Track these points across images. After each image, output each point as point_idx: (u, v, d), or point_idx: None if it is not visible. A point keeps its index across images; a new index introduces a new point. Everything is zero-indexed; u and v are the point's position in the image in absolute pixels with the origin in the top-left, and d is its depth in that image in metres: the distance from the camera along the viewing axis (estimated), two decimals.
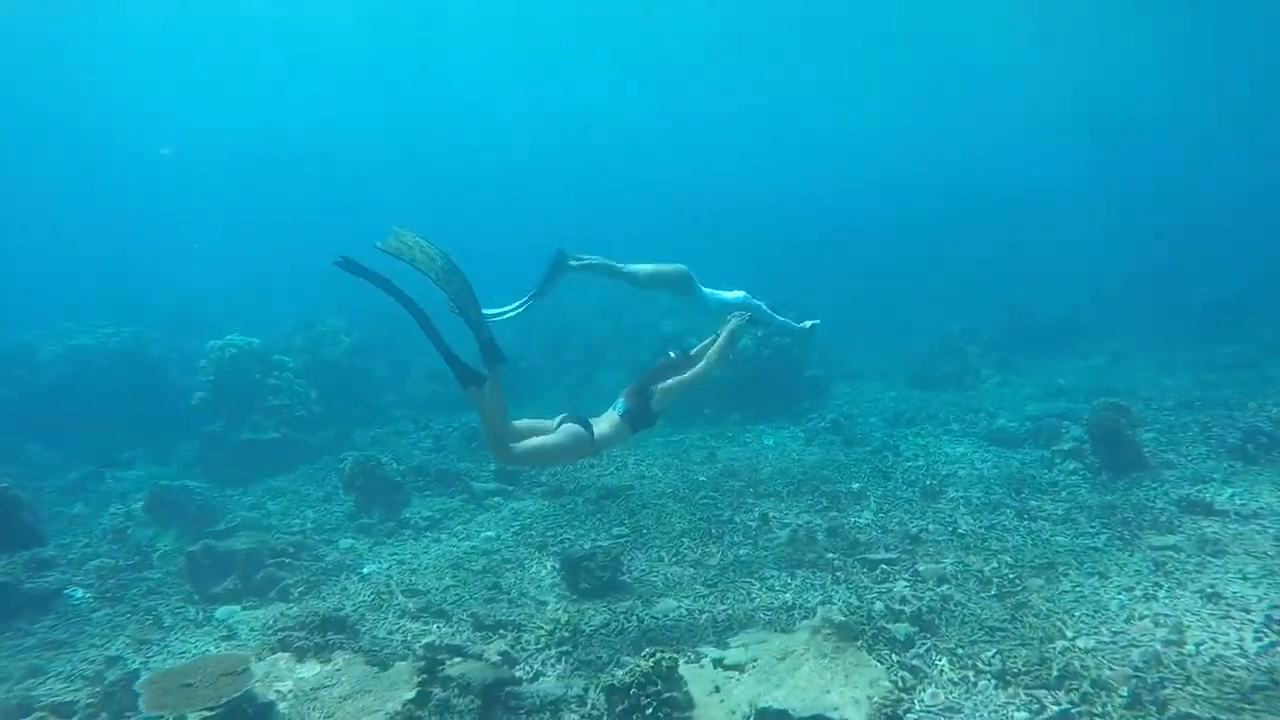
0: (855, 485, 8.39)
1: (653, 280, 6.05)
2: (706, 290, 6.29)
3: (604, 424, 5.11)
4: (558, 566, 6.61)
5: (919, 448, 10.00)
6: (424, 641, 4.65)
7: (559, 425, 4.99)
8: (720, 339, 5.54)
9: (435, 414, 13.72)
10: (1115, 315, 19.39)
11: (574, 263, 5.74)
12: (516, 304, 5.61)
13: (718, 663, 4.88)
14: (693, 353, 5.64)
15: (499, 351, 4.74)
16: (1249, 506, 6.90)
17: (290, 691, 4.34)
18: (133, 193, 43.04)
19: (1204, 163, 38.56)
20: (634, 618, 5.72)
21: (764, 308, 6.39)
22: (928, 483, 8.26)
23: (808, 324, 6.82)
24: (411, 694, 3.91)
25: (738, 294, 6.34)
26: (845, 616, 4.89)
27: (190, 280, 27.94)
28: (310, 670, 4.54)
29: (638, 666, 4.24)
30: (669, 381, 5.30)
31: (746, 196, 40.20)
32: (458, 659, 4.84)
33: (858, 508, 7.83)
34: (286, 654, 4.66)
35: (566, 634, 5.50)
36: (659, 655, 4.31)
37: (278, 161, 44.66)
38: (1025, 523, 7.09)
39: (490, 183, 47.02)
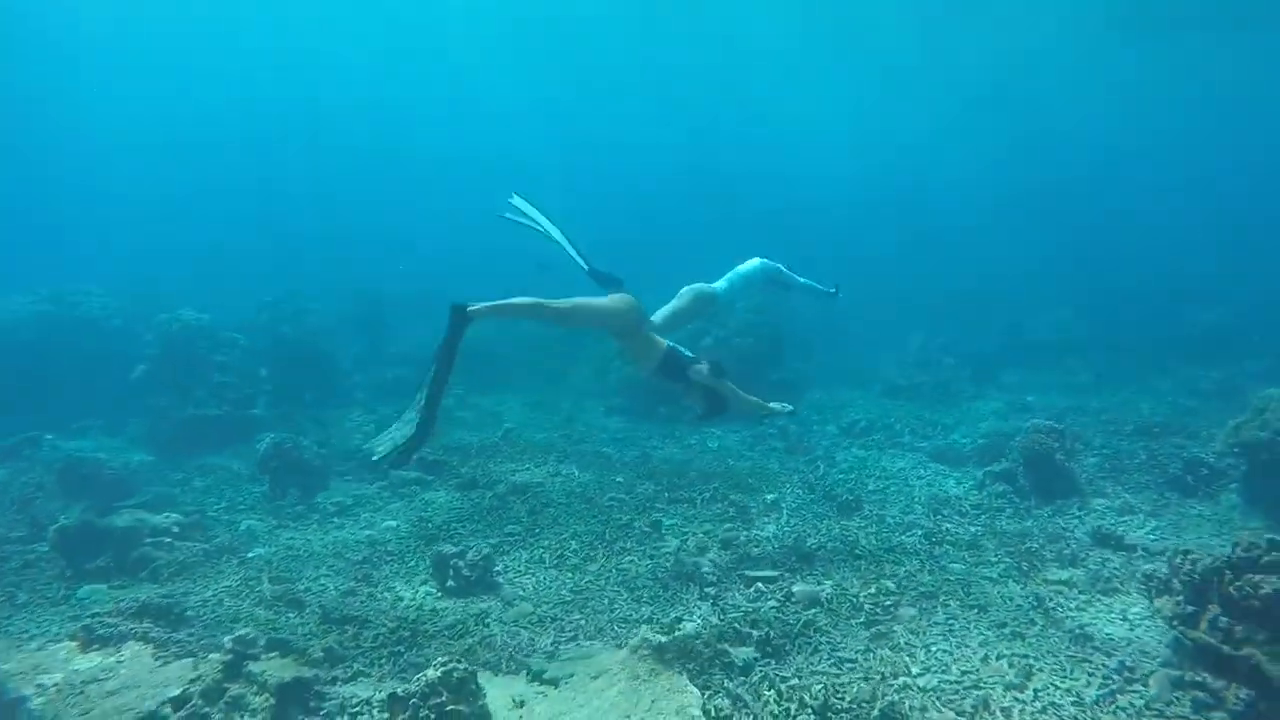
0: (771, 496, 8.12)
1: (680, 319, 5.62)
2: (723, 284, 5.97)
3: (656, 335, 5.13)
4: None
5: (857, 460, 9.69)
6: (236, 635, 4.50)
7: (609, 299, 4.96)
8: (764, 404, 5.52)
9: (396, 398, 13.63)
10: (1111, 334, 18.76)
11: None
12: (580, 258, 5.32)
13: (536, 676, 4.70)
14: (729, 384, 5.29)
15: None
16: (1162, 543, 6.53)
17: (55, 685, 4.23)
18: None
19: (1208, 182, 37.34)
20: (484, 621, 5.55)
21: (783, 270, 6.29)
22: (847, 498, 7.96)
23: (833, 288, 6.58)
24: (176, 691, 3.76)
25: (753, 263, 6.19)
26: (665, 637, 4.66)
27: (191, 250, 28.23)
28: (90, 662, 4.43)
29: (424, 676, 4.06)
30: (725, 382, 5.19)
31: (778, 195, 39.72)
32: (274, 654, 4.70)
33: (765, 520, 7.57)
34: (72, 643, 4.55)
35: (407, 633, 5.35)
36: (451, 666, 4.12)
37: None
38: (929, 546, 6.78)
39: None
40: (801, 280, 6.43)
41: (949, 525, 7.28)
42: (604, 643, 5.16)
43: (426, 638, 5.32)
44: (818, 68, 35.33)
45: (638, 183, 43.80)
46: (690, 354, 5.21)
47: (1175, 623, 4.22)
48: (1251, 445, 7.19)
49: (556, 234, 5.28)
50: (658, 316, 5.50)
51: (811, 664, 4.82)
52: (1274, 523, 7.01)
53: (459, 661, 4.16)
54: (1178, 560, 4.36)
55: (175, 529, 6.80)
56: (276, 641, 4.81)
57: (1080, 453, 9.30)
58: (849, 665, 4.81)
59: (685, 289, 5.78)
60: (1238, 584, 3.89)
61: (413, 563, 6.72)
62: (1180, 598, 4.23)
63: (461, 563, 6.17)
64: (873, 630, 5.23)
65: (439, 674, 4.06)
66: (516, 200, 5.38)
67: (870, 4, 28.00)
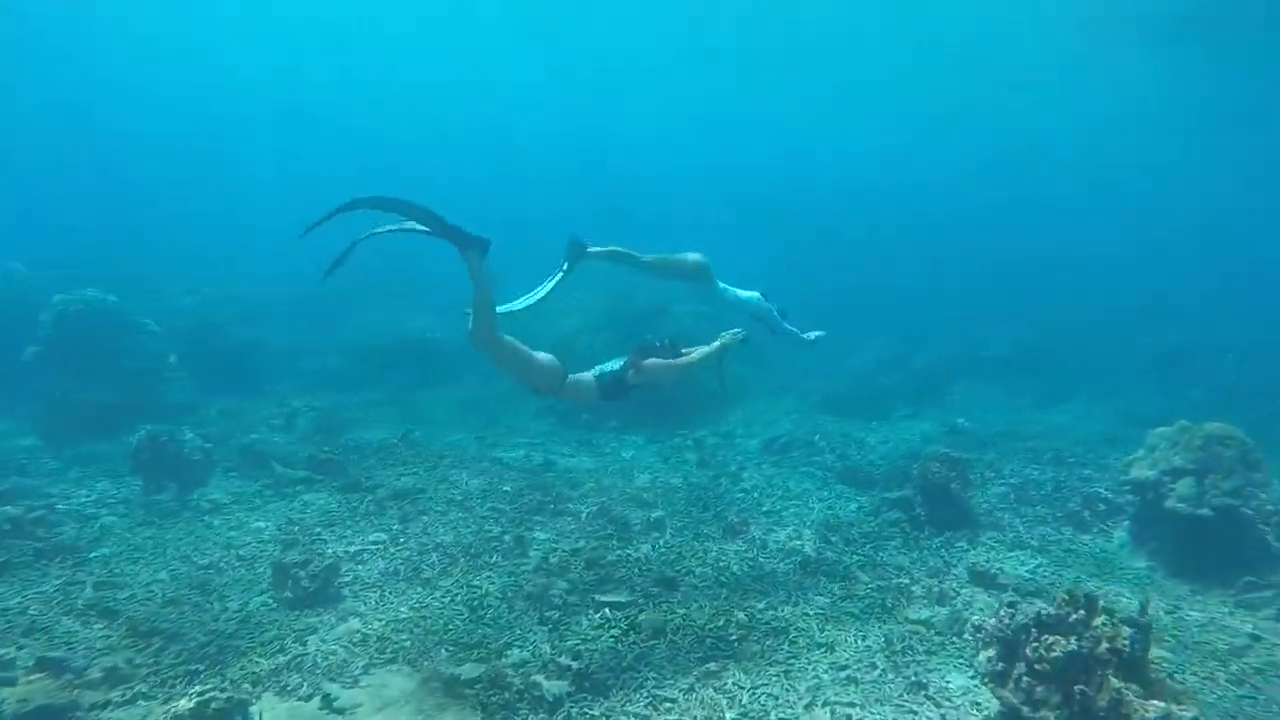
0: (657, 513, 7.83)
1: (669, 269, 6.07)
2: (722, 285, 6.37)
3: (580, 376, 5.23)
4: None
5: (763, 479, 9.42)
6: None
7: (544, 355, 5.07)
8: (712, 347, 5.52)
9: (316, 392, 13.33)
10: (1067, 353, 18.64)
11: (593, 249, 5.68)
12: (537, 291, 5.56)
13: (328, 704, 4.40)
14: (683, 351, 5.51)
15: (477, 236, 4.50)
16: (1037, 582, 6.29)
17: None
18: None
19: (1179, 200, 37.45)
20: (305, 639, 5.24)
21: (774, 312, 6.58)
22: (736, 519, 7.69)
23: (812, 335, 6.90)
24: None
25: (752, 294, 6.46)
26: (453, 668, 4.37)
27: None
28: None
29: (175, 707, 3.76)
30: (650, 362, 5.27)
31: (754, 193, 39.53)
32: (40, 675, 4.37)
33: (644, 539, 7.28)
34: None
35: (214, 649, 5.04)
36: (210, 695, 3.82)
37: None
38: (802, 576, 6.52)
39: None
40: (787, 327, 6.70)
41: (831, 554, 7.02)
42: (415, 669, 4.86)
43: (236, 655, 5.00)
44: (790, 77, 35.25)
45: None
46: (618, 365, 5.29)
47: (986, 680, 3.97)
48: (1140, 484, 6.98)
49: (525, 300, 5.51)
50: (654, 255, 5.88)
51: (625, 703, 4.55)
52: (1157, 564, 6.83)
53: (221, 690, 3.87)
54: (1002, 612, 4.10)
55: (8, 525, 6.43)
56: (49, 661, 4.48)
57: (990, 481, 9.13)
58: (665, 706, 4.55)
59: (698, 255, 6.13)
60: (1035, 644, 3.64)
61: (261, 569, 6.39)
62: (993, 653, 3.98)
63: (303, 572, 5.86)
64: (706, 667, 4.96)
65: (193, 704, 3.76)
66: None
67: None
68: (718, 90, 39.81)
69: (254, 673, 4.74)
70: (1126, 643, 3.58)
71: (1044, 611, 3.77)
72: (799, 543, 7.29)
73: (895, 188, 40.55)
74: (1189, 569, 6.64)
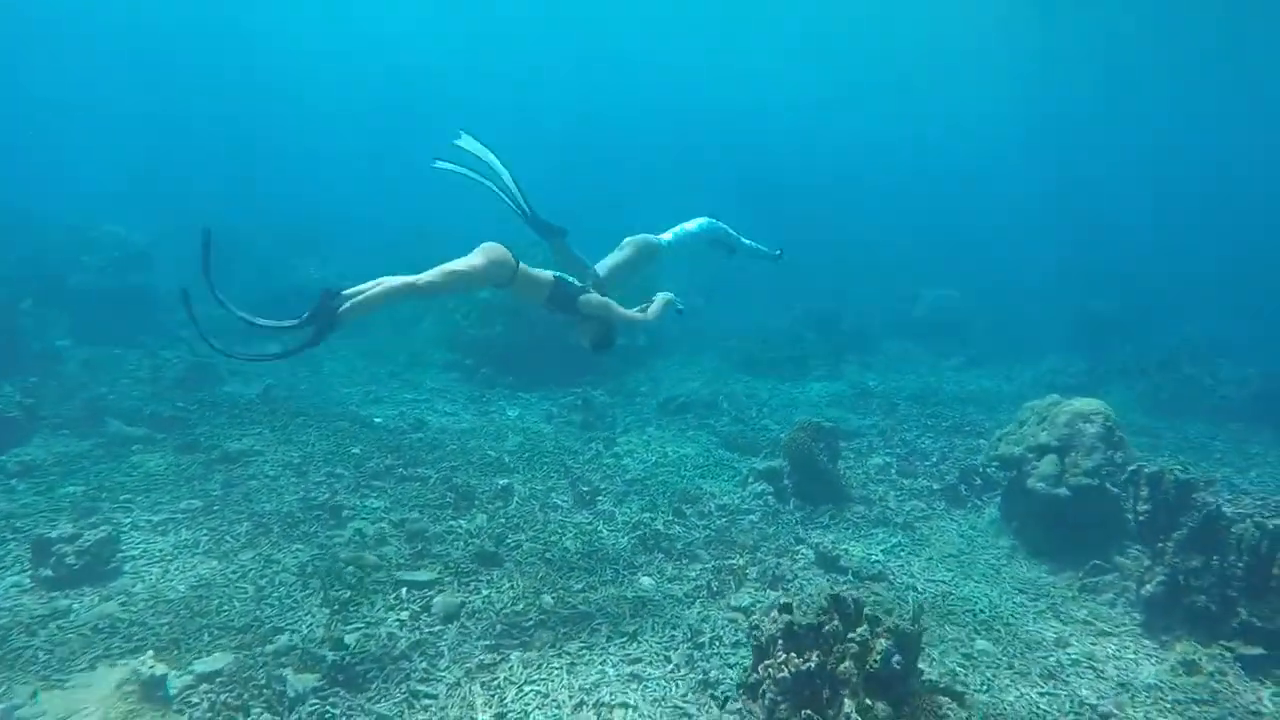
0: (504, 481, 7.33)
1: (625, 270, 5.61)
2: (669, 238, 6.00)
3: (538, 270, 4.92)
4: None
5: (641, 443, 8.97)
6: None
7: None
8: (657, 303, 5.38)
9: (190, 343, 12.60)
10: (1003, 318, 18.38)
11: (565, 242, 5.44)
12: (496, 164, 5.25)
13: (17, 709, 3.87)
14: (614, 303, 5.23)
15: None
16: (884, 565, 5.92)
17: None
18: None
19: (1125, 170, 37.06)
20: (35, 628, 4.69)
21: (729, 231, 6.33)
22: (589, 488, 7.23)
23: (778, 251, 6.72)
24: None
25: (700, 221, 6.20)
26: (154, 671, 3.86)
27: None
28: None
29: None
30: (601, 300, 5.09)
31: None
32: None
33: (482, 509, 6.79)
34: None
35: None
36: None
37: None
38: (637, 554, 6.09)
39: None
40: (747, 243, 6.45)
41: (680, 529, 6.60)
42: (159, 659, 4.35)
43: None
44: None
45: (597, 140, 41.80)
46: (579, 283, 5.07)
47: (741, 692, 3.54)
48: (1007, 460, 6.60)
49: (505, 176, 5.19)
50: (601, 267, 5.52)
51: (376, 698, 4.09)
52: (1019, 543, 6.50)
53: None
54: (771, 615, 3.67)
55: None
56: None
57: (876, 449, 8.75)
58: (422, 703, 4.10)
59: (627, 240, 5.78)
60: (770, 660, 3.20)
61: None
62: (750, 662, 3.55)
63: (69, 548, 5.29)
64: (484, 659, 4.51)
65: None
66: (464, 140, 5.17)
67: None
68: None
69: None
70: (879, 659, 3.15)
71: (797, 622, 3.33)
72: (650, 515, 6.85)
73: (833, 144, 39.80)
74: (1049, 549, 6.32)
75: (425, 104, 39.46)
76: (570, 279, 5.07)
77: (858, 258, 21.99)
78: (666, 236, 6.09)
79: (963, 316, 17.86)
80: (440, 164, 5.25)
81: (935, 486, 7.66)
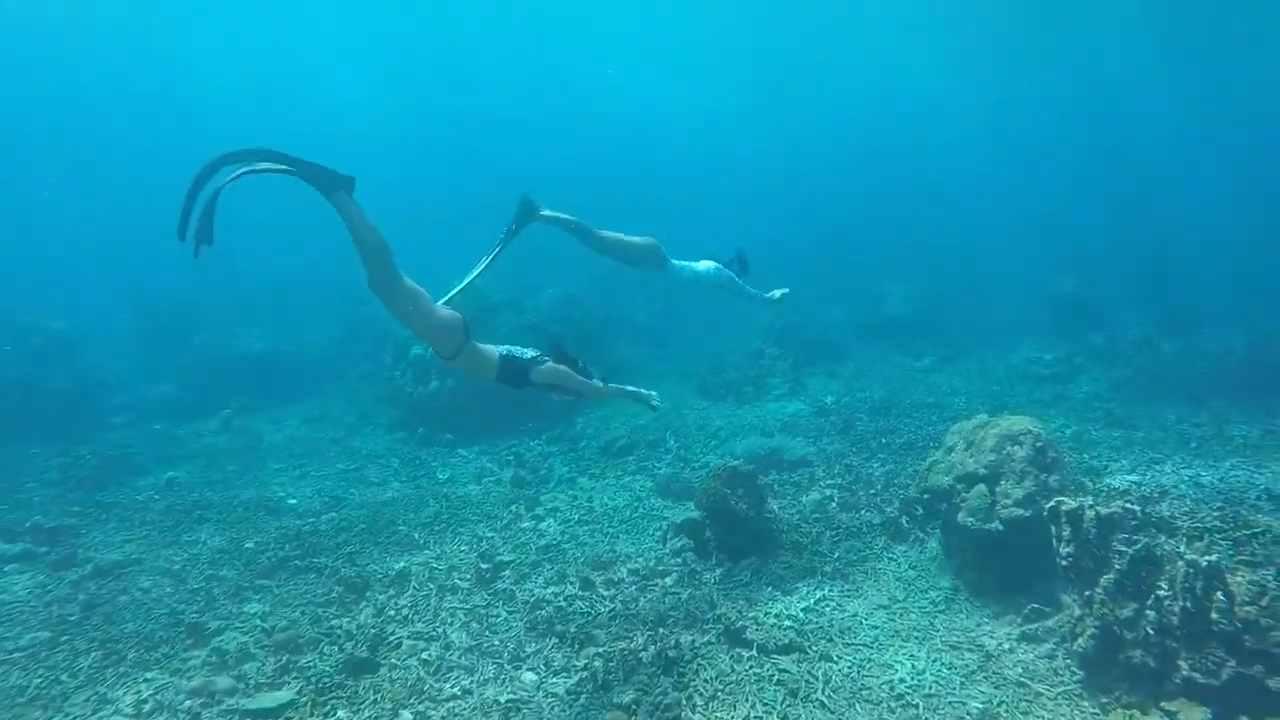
0: (401, 564, 6.73)
1: (620, 249, 5.72)
2: (677, 263, 6.12)
3: (483, 346, 4.63)
4: None
5: (568, 499, 8.39)
6: None
7: (450, 310, 4.47)
8: (624, 389, 5.20)
9: (137, 428, 12.18)
10: (973, 309, 17.70)
11: (545, 212, 5.38)
12: (483, 260, 5.16)
13: None
14: (596, 377, 5.01)
15: (337, 173, 3.90)
16: (792, 634, 5.26)
17: None
18: None
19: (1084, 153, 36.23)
20: None
21: (735, 279, 6.29)
22: (488, 568, 6.62)
23: (777, 294, 6.52)
24: None
25: (708, 265, 6.22)
26: None
27: None
28: None
29: None
30: (562, 369, 4.78)
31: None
32: None
33: (368, 603, 6.19)
34: None
35: None
36: None
37: None
38: (531, 642, 5.50)
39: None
40: (750, 291, 6.42)
41: (583, 604, 6.00)
42: None
43: None
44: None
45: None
46: (530, 354, 4.78)
47: None
48: (937, 492, 5.95)
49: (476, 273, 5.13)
50: (607, 232, 5.62)
51: None
52: (962, 583, 5.84)
53: None
54: None
55: None
56: None
57: (818, 481, 8.12)
58: None
59: (648, 238, 5.86)
60: None
61: None
62: None
63: None
64: None
65: None
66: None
67: None
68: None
69: None
70: None
71: None
72: (555, 589, 6.25)
73: (789, 142, 39.22)
74: (991, 587, 5.67)
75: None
76: (519, 353, 4.78)
77: (824, 258, 21.35)
78: (677, 262, 6.16)
79: (935, 310, 17.20)
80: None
81: (876, 520, 7.00)
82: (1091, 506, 4.32)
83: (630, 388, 5.22)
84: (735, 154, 37.89)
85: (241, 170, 3.68)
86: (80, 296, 16.96)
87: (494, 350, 4.68)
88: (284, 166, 3.78)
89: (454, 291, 4.85)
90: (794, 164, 36.57)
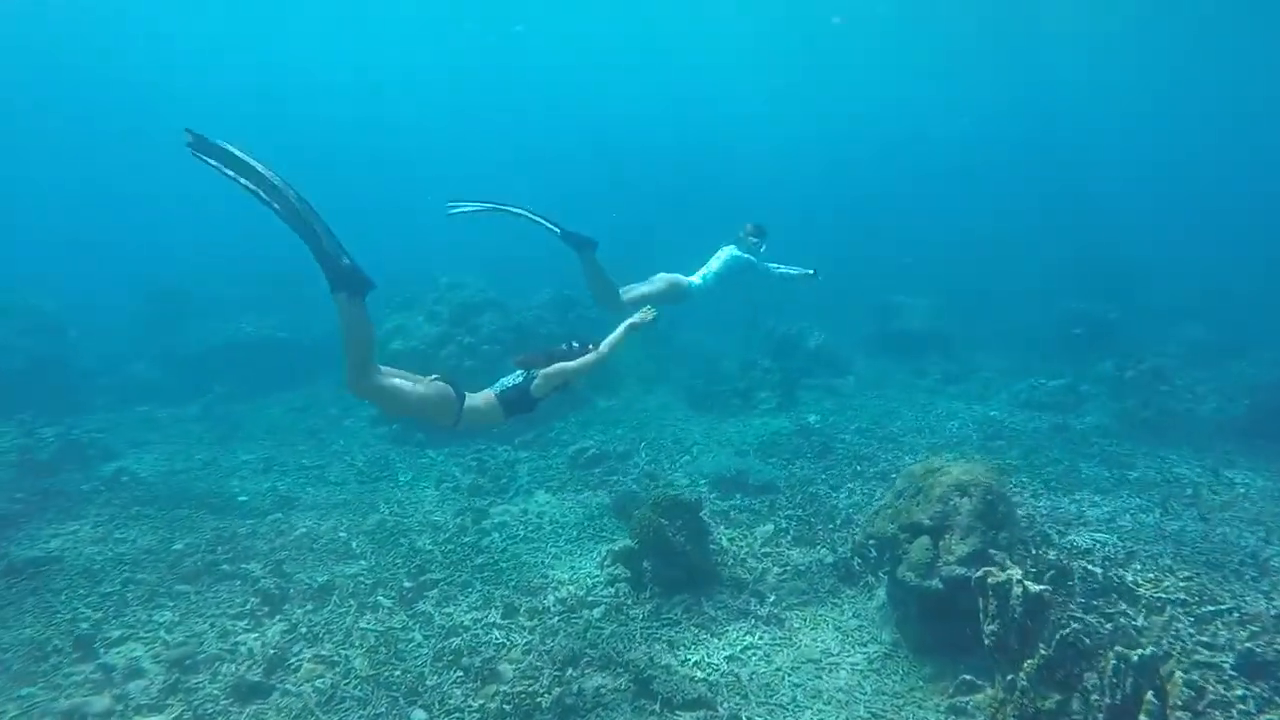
0: (325, 577, 6.48)
1: (643, 303, 5.51)
2: (698, 281, 6.38)
3: (477, 398, 4.63)
4: None
5: (518, 512, 8.10)
6: None
7: (429, 381, 4.49)
8: (618, 332, 4.99)
9: (118, 410, 12.19)
10: (986, 327, 17.06)
11: (591, 256, 5.89)
12: (525, 213, 5.62)
13: None
14: (588, 345, 4.97)
15: (364, 276, 3.98)
16: (703, 687, 4.89)
17: None
18: None
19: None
20: None
21: (754, 261, 6.53)
22: (411, 586, 6.37)
23: (812, 270, 6.94)
24: None
25: (725, 253, 6.43)
26: None
27: None
28: None
29: None
30: (554, 368, 4.73)
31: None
32: None
33: (283, 617, 5.95)
34: None
35: None
36: None
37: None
38: (434, 674, 5.20)
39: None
40: (778, 271, 6.58)
41: (499, 633, 5.70)
42: None
43: None
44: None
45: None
46: (518, 376, 4.77)
47: None
48: (881, 539, 5.53)
49: (518, 210, 5.53)
50: (625, 292, 5.95)
51: None
52: (903, 638, 5.42)
53: None
54: None
55: None
56: None
57: (779, 510, 7.72)
58: None
59: (660, 275, 6.26)
60: None
61: None
62: None
63: None
64: None
65: None
66: (461, 206, 5.48)
67: None
68: None
69: None
70: None
71: None
72: (476, 614, 5.97)
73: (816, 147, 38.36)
74: (933, 645, 5.24)
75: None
76: (509, 383, 4.74)
77: (840, 267, 20.66)
78: (695, 279, 6.35)
79: (946, 326, 16.56)
80: (457, 208, 5.44)
81: (828, 559, 6.59)
82: (1020, 581, 3.89)
83: (623, 325, 5.00)
84: (746, 157, 37.17)
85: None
86: (81, 280, 17.02)
87: (489, 394, 4.67)
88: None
89: (483, 208, 5.45)
90: (808, 166, 35.78)
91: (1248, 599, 5.18)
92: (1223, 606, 4.84)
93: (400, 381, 4.36)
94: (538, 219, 5.60)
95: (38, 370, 12.21)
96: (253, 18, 32.97)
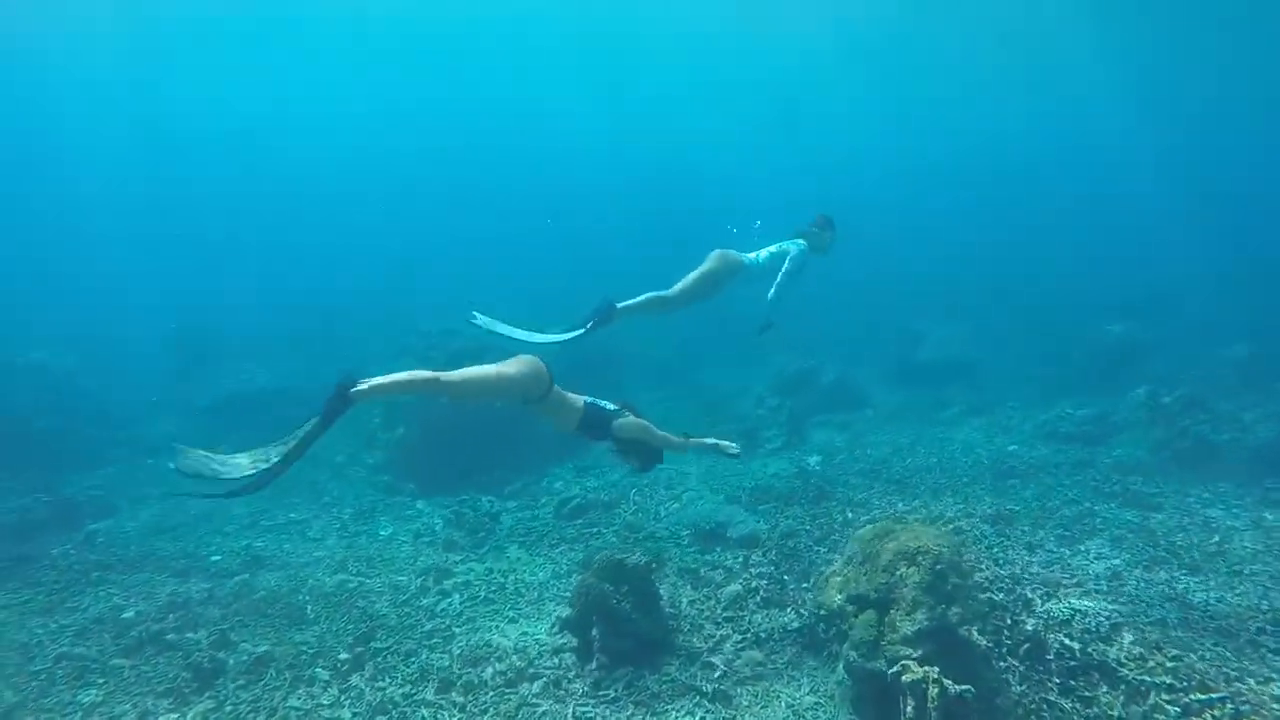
0: (265, 647, 6.25)
1: (694, 294, 5.77)
2: (760, 256, 6.09)
3: (571, 393, 4.70)
4: None
5: (483, 571, 7.78)
6: None
7: (517, 359, 4.51)
8: (703, 440, 5.02)
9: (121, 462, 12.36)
10: (1013, 354, 16.16)
11: (622, 306, 5.57)
12: (564, 334, 5.45)
13: None
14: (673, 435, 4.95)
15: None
16: None
17: None
18: None
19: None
20: None
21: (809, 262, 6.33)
22: (348, 659, 6.09)
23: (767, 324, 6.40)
24: None
25: (797, 242, 6.22)
26: None
27: None
28: None
29: None
30: (645, 422, 4.79)
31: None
32: None
33: (211, 695, 5.73)
34: None
35: None
36: None
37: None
38: None
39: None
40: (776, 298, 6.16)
41: (427, 711, 5.35)
42: None
43: None
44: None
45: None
46: (612, 406, 4.78)
47: None
48: (829, 611, 5.03)
49: (537, 338, 5.28)
50: (674, 289, 5.70)
51: None
52: (860, 719, 4.88)
53: None
54: None
55: None
56: None
57: (751, 567, 7.23)
58: None
59: (714, 252, 5.86)
60: None
61: None
62: None
63: None
64: None
65: None
66: (479, 319, 5.28)
67: None
68: None
69: None
70: None
71: None
72: (409, 689, 5.65)
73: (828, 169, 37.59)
74: None
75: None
76: (603, 403, 4.76)
77: (863, 296, 19.99)
78: (754, 255, 6.00)
79: (973, 355, 15.78)
80: (478, 319, 5.26)
81: (794, 624, 6.08)
82: (936, 681, 3.39)
83: (710, 440, 4.99)
84: (752, 178, 36.72)
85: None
86: (109, 326, 17.57)
87: (579, 399, 4.67)
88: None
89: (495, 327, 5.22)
90: (828, 190, 35.14)
91: (1250, 681, 4.50)
92: (1213, 697, 4.19)
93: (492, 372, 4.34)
94: (565, 336, 5.41)
95: (57, 427, 12.50)
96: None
